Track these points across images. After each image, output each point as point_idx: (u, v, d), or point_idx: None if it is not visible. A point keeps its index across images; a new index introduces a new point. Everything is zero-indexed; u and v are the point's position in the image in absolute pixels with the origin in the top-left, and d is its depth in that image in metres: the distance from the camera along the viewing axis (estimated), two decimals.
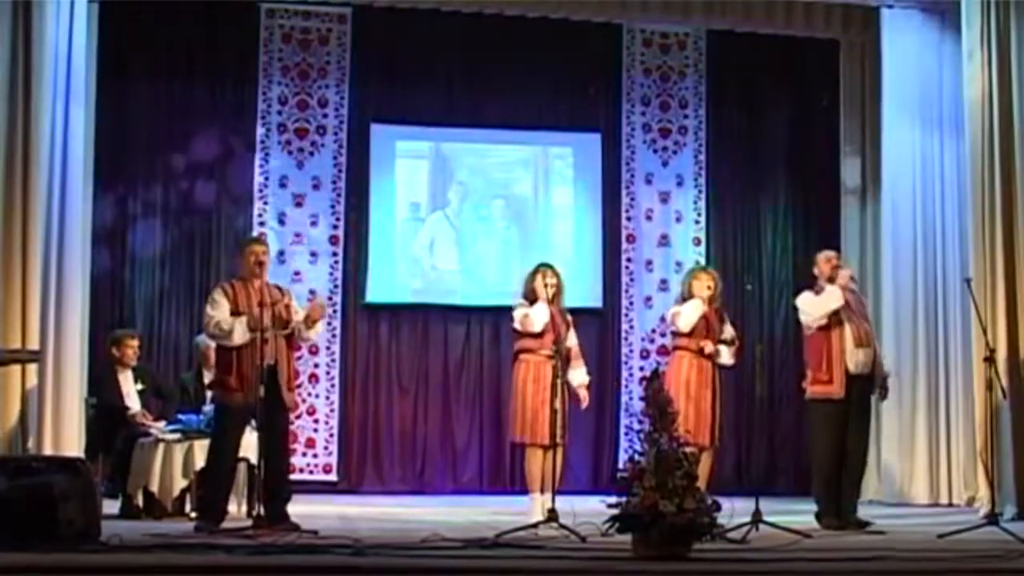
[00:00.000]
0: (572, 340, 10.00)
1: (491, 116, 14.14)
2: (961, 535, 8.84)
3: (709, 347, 10.06)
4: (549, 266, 9.97)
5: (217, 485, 8.98)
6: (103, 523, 7.75)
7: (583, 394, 10.15)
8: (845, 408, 9.60)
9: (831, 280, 9.69)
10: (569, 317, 10.06)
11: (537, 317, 9.64)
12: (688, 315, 10.03)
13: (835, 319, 9.61)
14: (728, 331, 10.28)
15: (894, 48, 12.78)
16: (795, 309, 10.04)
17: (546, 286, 9.73)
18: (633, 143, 14.47)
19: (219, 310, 8.81)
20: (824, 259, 9.86)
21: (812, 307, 9.75)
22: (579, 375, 10.08)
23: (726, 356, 10.25)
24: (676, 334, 10.25)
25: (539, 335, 9.66)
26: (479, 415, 13.92)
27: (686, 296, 10.19)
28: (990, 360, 9.24)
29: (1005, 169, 10.96)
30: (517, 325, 9.81)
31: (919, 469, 12.31)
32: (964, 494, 11.66)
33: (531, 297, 9.80)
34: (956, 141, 12.13)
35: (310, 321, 9.01)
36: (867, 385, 9.70)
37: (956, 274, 11.74)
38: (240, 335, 8.72)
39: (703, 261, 13.58)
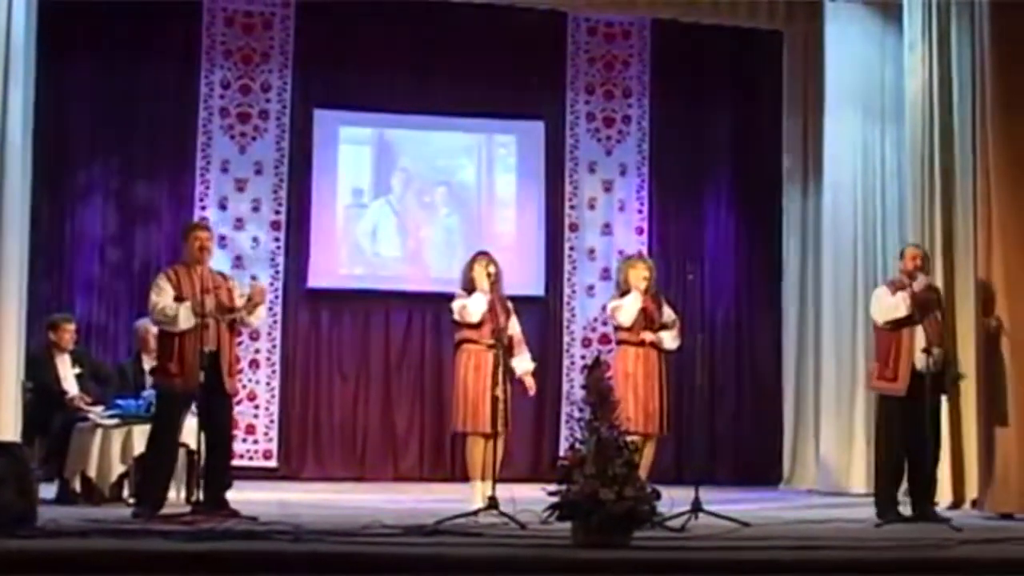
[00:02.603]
0: (514, 327, 9.98)
1: (435, 103, 14.11)
2: (898, 524, 8.93)
3: (649, 336, 10.08)
4: (486, 254, 9.96)
5: (156, 471, 8.93)
6: (39, 508, 7.70)
7: (529, 381, 10.15)
8: (910, 406, 9.51)
9: (910, 276, 9.65)
10: (510, 304, 10.04)
11: (475, 308, 9.63)
12: (628, 309, 10.03)
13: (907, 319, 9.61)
14: (667, 314, 10.25)
15: (837, 40, 12.88)
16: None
17: (489, 276, 9.71)
18: (577, 131, 14.50)
19: (163, 296, 8.76)
20: (910, 256, 9.79)
21: (881, 309, 9.74)
22: (523, 363, 10.07)
23: (669, 341, 10.24)
24: (618, 328, 10.26)
25: (478, 325, 9.65)
26: (420, 402, 13.93)
27: (622, 286, 10.19)
28: (928, 352, 9.29)
29: (944, 159, 11.03)
30: (456, 316, 9.80)
31: (856, 460, 12.40)
32: (902, 485, 11.74)
33: (469, 287, 9.79)
34: (896, 131, 12.26)
35: (252, 305, 8.97)
36: (938, 384, 9.53)
37: (896, 262, 11.80)
38: (185, 320, 8.69)
39: (645, 250, 13.59)
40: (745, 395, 14.45)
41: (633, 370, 9.98)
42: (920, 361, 9.40)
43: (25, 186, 11.34)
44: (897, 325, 9.57)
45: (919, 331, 9.49)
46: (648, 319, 10.08)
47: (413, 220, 14.19)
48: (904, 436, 9.59)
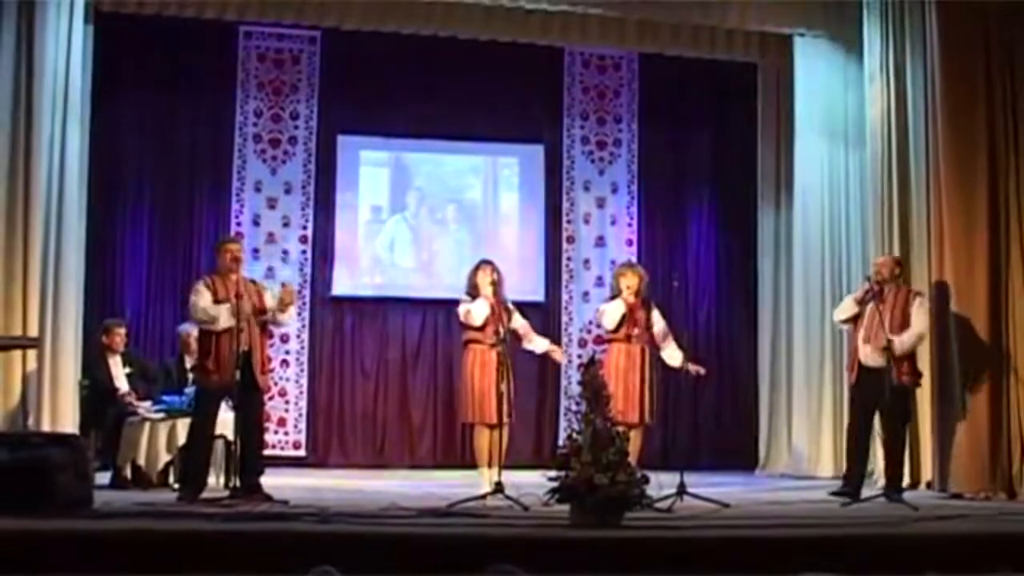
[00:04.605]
0: (518, 322, 9.96)
1: (446, 129, 14.13)
2: (861, 504, 8.95)
3: (635, 331, 10.01)
4: (489, 262, 9.95)
5: (197, 459, 8.95)
6: (95, 493, 7.74)
7: (557, 354, 10.20)
8: (863, 396, 9.64)
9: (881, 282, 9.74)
10: (511, 305, 10.04)
11: (477, 312, 9.63)
12: (611, 315, 9.95)
13: (858, 318, 9.72)
14: (656, 319, 10.20)
15: (805, 71, 12.89)
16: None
17: (491, 283, 9.73)
18: (573, 154, 14.53)
19: (202, 298, 8.78)
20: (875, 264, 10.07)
21: (836, 311, 10.21)
22: (540, 344, 10.11)
23: (671, 358, 10.19)
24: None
25: (482, 327, 9.67)
26: (434, 396, 13.94)
27: (614, 291, 10.17)
28: (887, 349, 9.31)
29: (901, 178, 11.11)
30: (461, 319, 9.83)
31: (825, 446, 12.40)
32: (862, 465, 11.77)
33: (474, 292, 9.80)
34: (859, 154, 12.26)
35: (282, 305, 8.98)
36: (885, 378, 9.40)
37: (858, 271, 11.80)
38: (225, 320, 8.70)
39: (635, 260, 13.57)
40: (725, 389, 14.46)
41: (620, 364, 9.94)
42: (862, 353, 9.55)
43: (82, 207, 11.43)
44: (854, 322, 9.75)
45: (860, 330, 9.63)
46: (634, 321, 10.03)
47: (426, 234, 14.21)
48: (857, 421, 9.73)
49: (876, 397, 9.41)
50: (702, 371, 10.23)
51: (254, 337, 8.89)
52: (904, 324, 9.53)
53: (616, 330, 9.97)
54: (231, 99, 13.81)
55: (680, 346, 10.16)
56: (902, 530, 7.04)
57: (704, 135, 14.84)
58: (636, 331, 9.95)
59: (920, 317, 9.57)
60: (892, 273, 9.75)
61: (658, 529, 6.77)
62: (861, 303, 9.70)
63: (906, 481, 10.41)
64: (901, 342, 9.36)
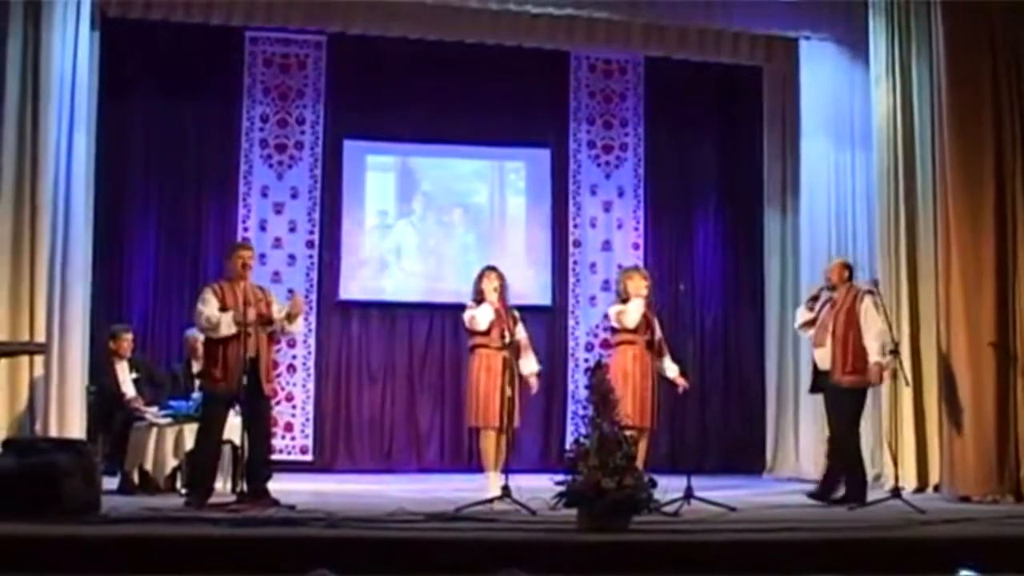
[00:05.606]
0: (521, 333, 10.02)
1: (452, 133, 14.13)
2: (869, 507, 8.95)
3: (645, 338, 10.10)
4: (493, 268, 10.02)
5: (204, 464, 8.97)
6: (102, 498, 7.76)
7: (533, 382, 10.18)
8: (824, 397, 9.89)
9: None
10: (516, 313, 10.09)
11: (482, 317, 9.71)
12: (633, 314, 10.03)
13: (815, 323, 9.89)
14: (656, 325, 10.27)
15: (811, 75, 12.88)
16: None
17: (495, 289, 9.78)
18: (579, 158, 14.53)
19: (208, 307, 8.81)
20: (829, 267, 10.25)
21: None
22: (529, 365, 10.10)
23: (673, 370, 10.30)
24: (619, 330, 10.24)
25: (487, 332, 9.71)
26: (440, 401, 13.94)
27: (623, 294, 10.21)
28: (895, 353, 9.32)
29: (908, 181, 11.10)
30: (467, 325, 9.88)
31: None
32: (872, 471, 11.76)
33: (479, 298, 9.87)
34: (865, 157, 12.24)
35: (291, 315, 9.01)
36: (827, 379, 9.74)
37: (865, 276, 11.79)
38: (226, 327, 8.72)
39: (641, 264, 13.55)
40: (732, 393, 14.46)
41: (631, 369, 9.99)
42: (816, 357, 9.81)
43: (89, 212, 11.45)
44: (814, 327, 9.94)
45: (814, 331, 9.90)
46: (648, 325, 10.11)
47: (433, 238, 14.21)
48: (829, 423, 9.91)
49: (832, 400, 9.70)
50: (686, 386, 10.43)
51: (260, 344, 8.90)
52: (850, 323, 9.64)
53: (635, 330, 10.01)
54: (237, 104, 13.84)
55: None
56: (908, 533, 7.05)
57: (710, 138, 14.84)
58: (650, 334, 10.05)
59: (869, 318, 9.63)
60: (841, 277, 9.96)
61: (665, 533, 6.78)
62: (812, 308, 9.97)
63: (913, 484, 10.46)
64: (872, 348, 9.52)
